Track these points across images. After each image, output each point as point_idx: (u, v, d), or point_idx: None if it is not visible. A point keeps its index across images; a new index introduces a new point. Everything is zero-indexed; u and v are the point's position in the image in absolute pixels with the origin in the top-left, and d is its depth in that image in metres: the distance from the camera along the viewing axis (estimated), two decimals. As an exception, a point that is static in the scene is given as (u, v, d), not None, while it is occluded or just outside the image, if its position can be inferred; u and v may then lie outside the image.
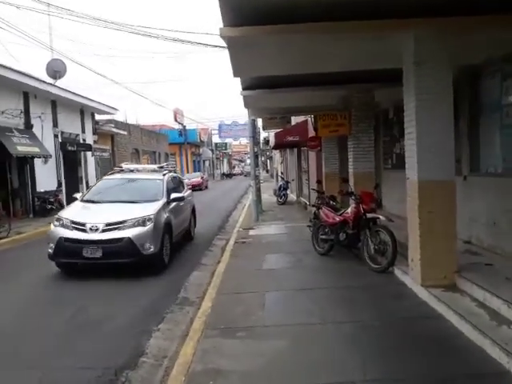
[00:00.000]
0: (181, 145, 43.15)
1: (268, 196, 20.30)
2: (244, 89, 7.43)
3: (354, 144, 7.93)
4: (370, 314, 4.44)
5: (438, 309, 4.34)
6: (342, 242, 6.78)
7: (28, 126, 15.69)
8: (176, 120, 41.66)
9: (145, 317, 5.01)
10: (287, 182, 17.93)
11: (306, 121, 13.21)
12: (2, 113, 14.06)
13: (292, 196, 19.28)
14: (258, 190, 13.90)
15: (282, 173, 23.32)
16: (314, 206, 8.17)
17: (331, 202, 8.03)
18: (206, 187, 33.31)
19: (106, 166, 24.08)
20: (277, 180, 32.37)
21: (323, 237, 7.23)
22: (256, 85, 7.30)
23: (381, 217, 6.10)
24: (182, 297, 5.78)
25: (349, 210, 6.65)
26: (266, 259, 7.25)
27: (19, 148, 13.93)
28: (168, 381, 3.33)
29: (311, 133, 12.59)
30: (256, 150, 13.49)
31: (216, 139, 57.30)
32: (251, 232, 10.28)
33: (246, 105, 8.91)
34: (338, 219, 6.87)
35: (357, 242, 6.68)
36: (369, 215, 6.27)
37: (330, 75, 7.21)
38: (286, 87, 7.32)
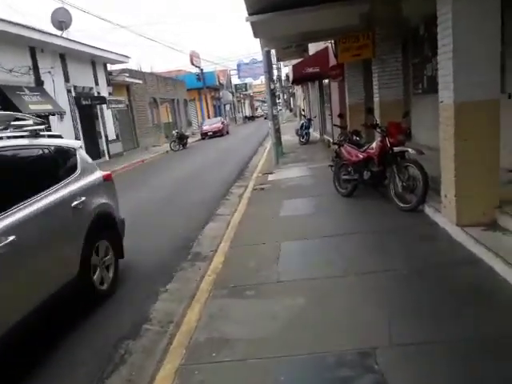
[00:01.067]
0: (199, 90, 41.84)
1: (290, 137, 19.40)
2: (251, 14, 6.47)
3: (379, 68, 6.93)
4: (399, 261, 3.89)
5: (476, 252, 3.71)
6: (366, 181, 6.11)
7: (38, 82, 15.22)
8: (193, 63, 40.02)
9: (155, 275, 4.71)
10: (309, 120, 16.90)
11: (326, 48, 11.97)
12: (10, 71, 13.59)
13: (315, 134, 18.31)
14: (278, 131, 13.09)
15: (303, 110, 22.12)
16: (335, 143, 7.41)
17: (355, 138, 7.26)
18: (228, 132, 32.48)
19: (124, 118, 23.70)
20: (300, 119, 31.08)
21: (346, 177, 6.57)
22: (264, 8, 6.33)
23: (410, 150, 5.33)
24: (194, 252, 5.42)
25: (373, 144, 5.89)
26: (284, 205, 6.72)
27: (31, 107, 13.57)
28: (167, 354, 2.97)
29: (332, 61, 11.42)
30: (273, 86, 12.51)
31: (235, 80, 55.46)
32: (270, 177, 9.71)
33: (256, 34, 7.89)
34: (361, 156, 6.15)
35: (383, 180, 6.00)
36: (396, 149, 5.51)
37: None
38: (299, 7, 6.30)
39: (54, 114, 15.22)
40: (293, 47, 9.33)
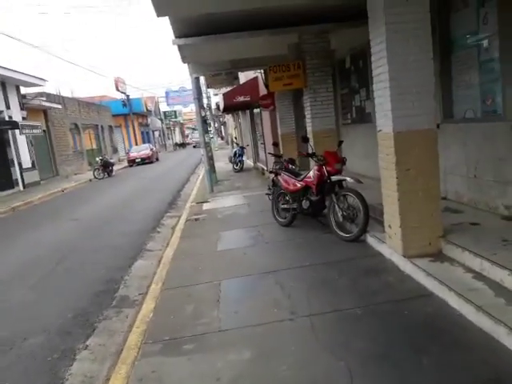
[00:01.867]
0: (126, 116, 40.47)
1: (223, 164, 19.20)
2: (178, 37, 6.15)
3: (311, 98, 6.95)
4: (349, 299, 3.64)
5: (428, 285, 3.59)
6: (305, 211, 5.92)
7: None
8: (118, 89, 38.70)
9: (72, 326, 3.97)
10: (242, 148, 16.84)
11: (256, 78, 12.05)
12: None
13: (249, 162, 18.30)
14: (211, 159, 12.75)
15: (235, 138, 22.15)
16: (271, 172, 7.23)
17: (290, 166, 7.11)
18: (157, 159, 31.50)
19: (42, 145, 21.85)
20: (232, 146, 31.14)
21: (284, 206, 6.35)
22: (191, 32, 6.05)
23: (348, 178, 5.26)
24: (120, 296, 4.75)
25: (311, 173, 5.75)
26: (222, 238, 6.29)
27: None
28: None
29: (263, 91, 11.47)
30: (204, 114, 12.23)
31: (164, 107, 54.65)
32: (205, 206, 9.24)
33: (183, 58, 7.59)
34: (299, 185, 5.98)
35: (322, 209, 5.86)
36: (334, 178, 5.41)
37: (278, 16, 6.09)
38: (226, 33, 6.13)
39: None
40: (223, 74, 9.17)
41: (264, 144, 13.11)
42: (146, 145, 33.42)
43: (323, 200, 5.74)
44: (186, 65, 10.63)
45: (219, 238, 6.25)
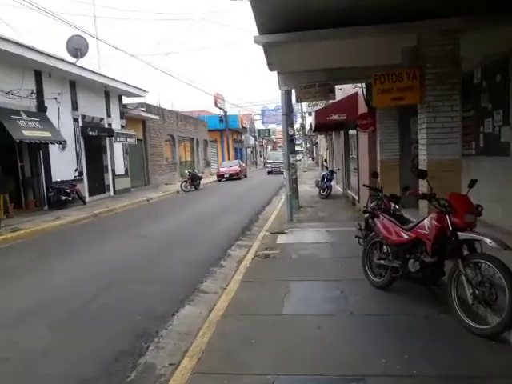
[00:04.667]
0: (222, 131, 41.25)
1: (309, 188, 17.70)
2: (263, 33, 4.97)
3: (429, 117, 5.22)
4: None
5: None
6: (412, 274, 4.20)
7: (41, 108, 14.17)
8: (216, 105, 39.65)
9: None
10: (332, 172, 15.23)
11: (356, 93, 10.46)
12: (8, 93, 12.55)
13: (338, 188, 16.57)
14: (295, 183, 11.39)
15: (325, 161, 20.55)
16: (366, 211, 5.61)
17: (393, 206, 5.43)
18: (245, 176, 31.12)
19: (137, 154, 22.59)
20: (321, 168, 29.52)
21: (381, 261, 4.68)
22: (281, 26, 4.82)
23: (486, 239, 3.45)
24: (144, 363, 3.54)
25: (425, 222, 4.04)
26: (292, 292, 4.82)
27: (25, 133, 12.36)
28: None
29: (362, 109, 9.85)
30: (292, 132, 10.97)
31: (259, 125, 55.07)
32: (280, 239, 7.86)
33: (270, 64, 6.41)
34: (406, 237, 4.28)
35: (439, 276, 4.10)
36: (462, 235, 3.64)
37: (391, 9, 4.59)
38: (326, 27, 4.78)
39: (52, 143, 14.01)
40: (316, 86, 7.77)
41: (358, 170, 11.38)
42: (236, 161, 33.36)
43: (442, 264, 3.98)
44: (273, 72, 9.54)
45: (288, 293, 4.78)
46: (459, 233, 3.67)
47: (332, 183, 15.02)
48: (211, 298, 5.12)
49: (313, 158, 55.72)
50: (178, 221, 11.32)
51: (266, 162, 58.28)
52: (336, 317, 4.06)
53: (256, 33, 5.24)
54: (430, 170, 5.32)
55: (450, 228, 3.72)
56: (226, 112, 41.07)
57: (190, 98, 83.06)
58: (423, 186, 5.35)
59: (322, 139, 34.67)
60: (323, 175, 15.08)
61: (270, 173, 33.16)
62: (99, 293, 5.33)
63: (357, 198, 11.86)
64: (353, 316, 4.06)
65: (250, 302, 4.58)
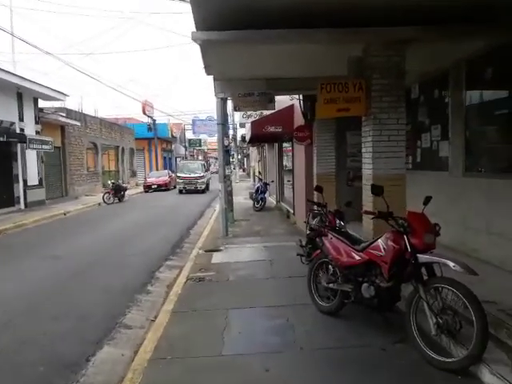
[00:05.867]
0: (150, 140, 39.53)
1: (243, 199, 17.29)
2: (202, 29, 4.37)
3: (375, 130, 4.99)
4: None
5: None
6: (366, 301, 3.81)
7: None
8: (145, 113, 37.99)
9: None
10: (266, 184, 14.95)
11: (292, 106, 10.26)
12: None
13: (271, 200, 16.33)
14: (230, 195, 10.84)
15: (259, 173, 20.32)
16: (311, 229, 5.21)
17: (338, 223, 5.08)
18: (175, 187, 29.87)
19: (53, 162, 20.52)
20: (254, 180, 29.33)
21: (330, 285, 4.25)
22: (222, 23, 4.27)
23: (449, 262, 3.15)
24: None
25: (380, 242, 3.68)
26: (232, 323, 4.20)
27: None
28: None
29: (298, 121, 9.64)
30: (227, 143, 10.42)
31: (190, 135, 53.90)
32: (215, 257, 7.21)
33: (208, 68, 5.85)
34: (358, 258, 3.90)
35: (394, 302, 3.76)
36: (422, 257, 3.33)
37: (343, 13, 4.28)
38: (269, 28, 4.33)
39: None
40: (255, 95, 7.33)
41: (293, 183, 11.15)
42: (165, 171, 31.97)
43: (398, 288, 3.64)
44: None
45: (228, 325, 4.16)
46: (419, 255, 3.35)
47: (266, 195, 14.71)
48: (136, 334, 4.33)
49: (244, 170, 55.86)
50: (98, 238, 10.13)
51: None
52: (285, 354, 3.52)
53: (190, 31, 4.64)
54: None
55: (409, 250, 3.39)
56: (154, 120, 39.46)
57: (116, 105, 78.55)
58: (368, 202, 5.11)
59: (253, 151, 34.69)
60: (257, 187, 14.74)
61: (181, 192, 24.21)
62: (-9, 336, 4.25)
63: (291, 211, 11.62)
64: (303, 352, 3.54)
65: (183, 340, 3.87)
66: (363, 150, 5.37)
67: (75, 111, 23.78)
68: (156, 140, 39.30)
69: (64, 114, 21.27)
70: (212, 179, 29.35)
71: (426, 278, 3.37)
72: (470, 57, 5.42)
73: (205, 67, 6.11)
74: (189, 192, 24.05)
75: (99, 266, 7.19)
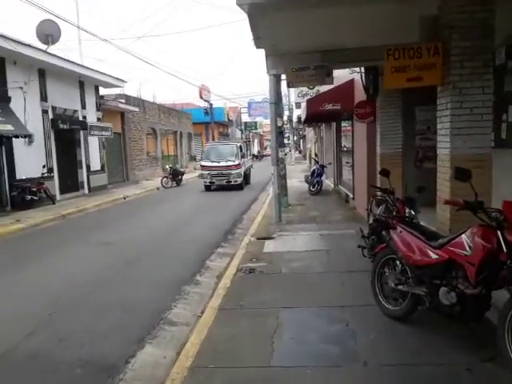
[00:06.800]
0: (207, 124, 39.84)
1: (298, 182, 16.65)
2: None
3: (455, 101, 4.17)
4: None
5: None
6: (446, 309, 3.13)
7: (4, 98, 12.74)
8: (202, 97, 38.21)
9: None
10: (322, 167, 14.19)
11: (352, 80, 9.37)
12: (-40, 81, 11.12)
13: (328, 183, 15.53)
14: (283, 178, 10.30)
15: (315, 155, 19.50)
16: (376, 219, 4.53)
17: (408, 212, 4.36)
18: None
19: (115, 148, 21.21)
20: (310, 162, 28.41)
21: (400, 287, 3.60)
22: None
23: None
24: None
25: (464, 237, 2.97)
26: (284, 326, 3.72)
27: (-19, 125, 10.98)
28: None
29: (359, 97, 8.78)
30: (280, 123, 9.86)
31: (246, 118, 53.73)
32: (268, 246, 6.76)
33: (258, 40, 5.32)
34: (435, 257, 3.21)
35: (483, 312, 3.04)
36: (523, 259, 2.59)
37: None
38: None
39: (16, 137, 12.61)
40: (310, 69, 6.64)
41: (353, 165, 10.33)
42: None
43: (488, 295, 2.93)
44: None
45: (279, 327, 3.69)
46: (518, 256, 2.61)
47: (322, 178, 13.98)
48: (180, 332, 4.01)
49: (300, 152, 54.83)
50: (153, 223, 10.13)
51: (256, 155, 50.62)
52: (345, 369, 2.98)
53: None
54: (453, 167, 4.28)
55: (505, 250, 2.66)
56: (211, 104, 39.63)
57: (173, 90, 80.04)
58: (445, 188, 4.32)
59: (309, 132, 33.64)
60: (313, 170, 14.05)
61: (207, 188, 17.33)
62: (35, 330, 4.13)
63: (351, 196, 10.83)
64: (367, 368, 2.98)
65: (228, 344, 3.46)
66: (438, 126, 4.56)
67: (134, 97, 24.33)
68: (213, 124, 39.55)
69: (123, 101, 21.82)
70: (257, 167, 25.21)
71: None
72: None
73: (254, 39, 5.56)
74: (218, 188, 17.20)
75: (150, 254, 7.04)
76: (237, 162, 17.19)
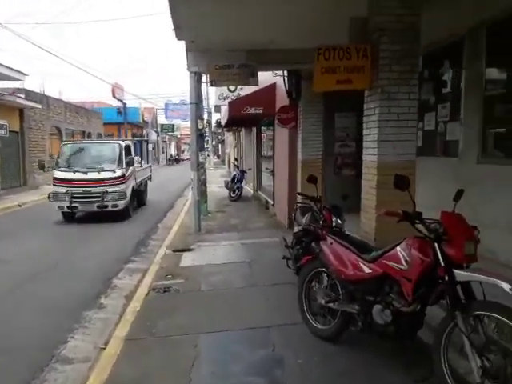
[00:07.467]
0: (120, 125, 37.62)
1: (217, 188, 16.20)
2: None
3: (383, 106, 4.05)
4: None
5: None
6: (380, 327, 2.89)
7: None
8: (114, 96, 36.04)
9: None
10: (243, 172, 13.92)
11: (274, 84, 9.21)
12: None
13: (248, 189, 15.33)
14: (204, 184, 9.75)
15: (236, 160, 19.25)
16: (305, 230, 4.22)
17: (334, 220, 4.13)
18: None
19: (10, 149, 18.77)
20: (229, 167, 28.14)
21: (330, 305, 3.31)
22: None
23: (502, 283, 2.25)
24: None
25: (399, 250, 2.76)
26: (203, 357, 3.21)
27: None
28: None
29: (281, 101, 8.61)
30: (201, 126, 9.28)
31: (162, 120, 51.97)
32: (185, 259, 6.17)
33: (179, 29, 4.80)
34: (368, 271, 2.97)
35: (416, 330, 2.85)
36: (461, 274, 2.43)
37: None
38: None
39: None
40: (235, 68, 6.25)
41: (274, 171, 10.17)
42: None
43: (423, 313, 2.74)
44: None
45: (197, 358, 3.17)
46: (456, 271, 2.44)
47: (243, 184, 13.71)
48: (77, 373, 3.29)
49: (218, 156, 54.53)
50: (55, 235, 8.91)
51: (174, 159, 48.01)
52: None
53: None
54: (380, 174, 4.16)
55: (442, 264, 2.48)
56: (125, 104, 37.58)
57: (83, 87, 74.44)
58: (371, 195, 4.19)
59: (229, 136, 33.50)
60: (233, 175, 13.74)
61: (66, 216, 10.49)
62: None
63: (271, 202, 10.67)
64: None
65: (136, 387, 2.85)
66: (365, 131, 4.42)
67: (36, 93, 21.90)
68: (126, 125, 37.45)
69: (23, 96, 19.44)
70: (171, 173, 21.83)
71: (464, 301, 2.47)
72: (494, 18, 4.51)
73: (175, 28, 4.99)
74: (87, 217, 10.61)
75: (50, 272, 6.02)
76: (118, 174, 10.24)
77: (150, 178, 14.37)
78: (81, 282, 5.46)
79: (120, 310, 4.48)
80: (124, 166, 10.47)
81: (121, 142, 11.25)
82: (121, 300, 4.85)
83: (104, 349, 3.55)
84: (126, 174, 10.51)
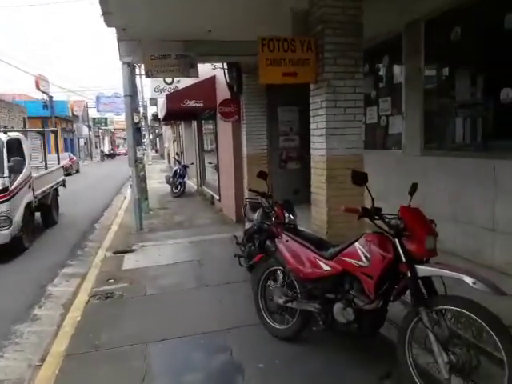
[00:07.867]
0: (46, 119, 34.87)
1: (158, 184, 15.62)
2: None
3: (330, 100, 4.00)
4: None
5: None
6: (342, 327, 2.83)
7: None
8: (39, 89, 33.44)
9: None
10: (185, 167, 13.50)
11: (214, 77, 8.95)
12: None
13: (191, 184, 14.92)
14: (143, 181, 9.29)
15: (177, 154, 18.68)
16: (259, 227, 4.06)
17: (287, 216, 4.05)
18: (77, 171, 26.69)
19: None
20: (169, 162, 27.29)
21: (289, 304, 3.21)
22: None
23: (465, 277, 2.26)
24: None
25: (359, 246, 2.71)
26: (153, 369, 2.96)
27: None
28: None
29: (221, 95, 8.39)
30: (137, 120, 8.81)
31: (94, 113, 49.19)
32: (127, 261, 5.79)
33: (107, 12, 4.38)
34: (327, 269, 2.89)
35: (379, 326, 2.84)
36: (423, 269, 2.43)
37: None
38: None
39: None
40: (172, 58, 5.92)
41: (218, 165, 9.93)
42: (66, 154, 28.37)
43: (385, 310, 2.73)
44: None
45: (147, 372, 2.92)
46: (418, 266, 2.44)
47: (185, 179, 13.30)
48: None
49: (156, 151, 52.90)
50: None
51: (108, 154, 46.15)
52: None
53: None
54: (329, 168, 4.13)
55: (404, 259, 2.46)
56: (51, 97, 35.03)
57: (1, 78, 67.97)
58: (321, 190, 4.16)
59: (167, 130, 32.47)
60: (175, 170, 13.27)
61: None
62: None
63: (216, 197, 10.43)
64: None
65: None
66: (312, 125, 4.36)
67: None
68: (54, 119, 34.91)
69: None
70: (104, 170, 19.77)
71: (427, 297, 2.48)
72: (433, 14, 4.65)
73: (103, 14, 4.57)
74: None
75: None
76: None
77: (62, 184, 10.41)
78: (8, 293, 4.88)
79: (57, 321, 4.05)
80: (6, 173, 6.40)
81: (1, 136, 6.91)
82: (58, 310, 4.40)
83: (40, 366, 3.16)
84: (12, 187, 6.51)
